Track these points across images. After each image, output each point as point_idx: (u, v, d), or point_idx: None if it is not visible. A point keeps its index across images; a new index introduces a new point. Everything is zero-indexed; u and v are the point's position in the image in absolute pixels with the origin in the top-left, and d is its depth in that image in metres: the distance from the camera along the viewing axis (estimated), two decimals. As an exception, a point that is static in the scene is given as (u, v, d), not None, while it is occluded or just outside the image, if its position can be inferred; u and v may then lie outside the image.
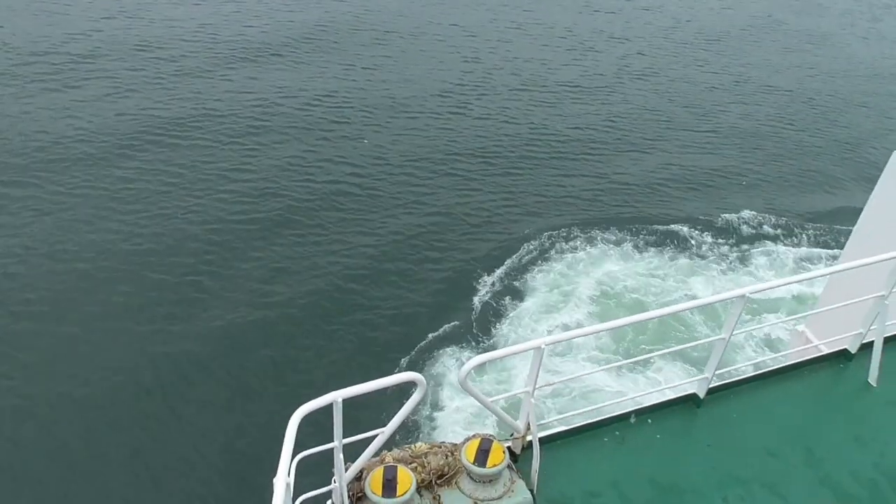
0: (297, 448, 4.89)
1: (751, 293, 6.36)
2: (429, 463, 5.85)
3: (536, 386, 5.95)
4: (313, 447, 5.42)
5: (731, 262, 20.53)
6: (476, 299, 17.89)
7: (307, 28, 32.16)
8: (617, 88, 30.09)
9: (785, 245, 21.50)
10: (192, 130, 23.26)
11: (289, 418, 4.80)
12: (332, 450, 5.29)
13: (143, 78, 26.27)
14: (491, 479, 5.72)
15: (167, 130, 23.12)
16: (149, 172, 20.89)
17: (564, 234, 20.88)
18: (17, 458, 13.08)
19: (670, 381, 14.84)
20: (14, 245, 17.55)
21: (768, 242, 21.50)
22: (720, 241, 21.34)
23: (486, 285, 18.43)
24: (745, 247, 21.25)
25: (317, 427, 5.26)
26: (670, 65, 33.16)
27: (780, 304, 18.46)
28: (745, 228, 21.99)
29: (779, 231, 22.05)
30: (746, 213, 22.56)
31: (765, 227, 22.18)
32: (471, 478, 5.75)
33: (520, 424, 6.27)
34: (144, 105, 24.46)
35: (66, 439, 13.45)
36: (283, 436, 4.75)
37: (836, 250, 20.19)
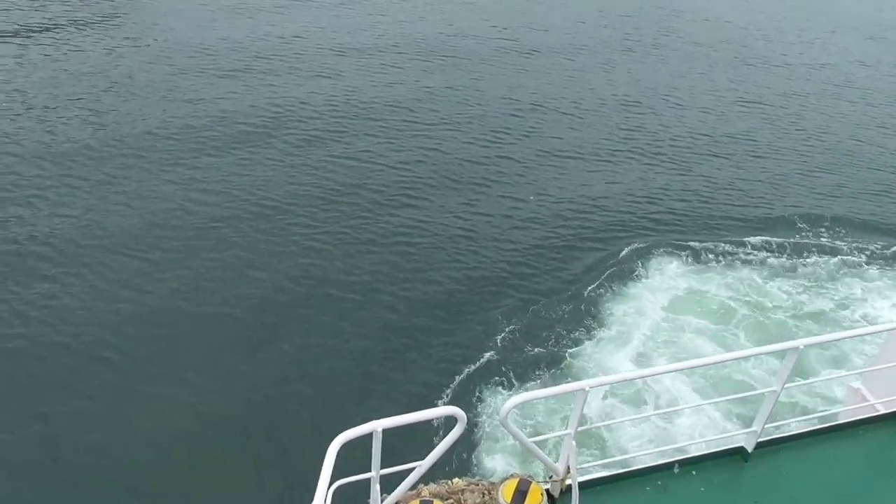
0: (334, 475, 4.89)
1: (805, 345, 6.20)
2: (465, 500, 5.80)
3: (578, 428, 5.87)
4: (350, 475, 5.42)
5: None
6: (529, 333, 17.62)
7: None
8: (784, 147, 29.67)
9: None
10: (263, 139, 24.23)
11: (327, 445, 4.82)
12: (368, 479, 5.28)
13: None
14: (527, 522, 5.63)
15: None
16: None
17: (636, 264, 20.65)
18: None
19: (717, 431, 14.44)
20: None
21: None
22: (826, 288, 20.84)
23: (541, 319, 18.14)
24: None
25: (353, 455, 5.26)
26: (841, 125, 32.54)
27: (835, 357, 17.87)
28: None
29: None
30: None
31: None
32: (507, 518, 5.66)
33: (559, 467, 6.17)
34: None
35: (94, 451, 13.66)
36: (320, 462, 4.76)
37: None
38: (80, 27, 32.28)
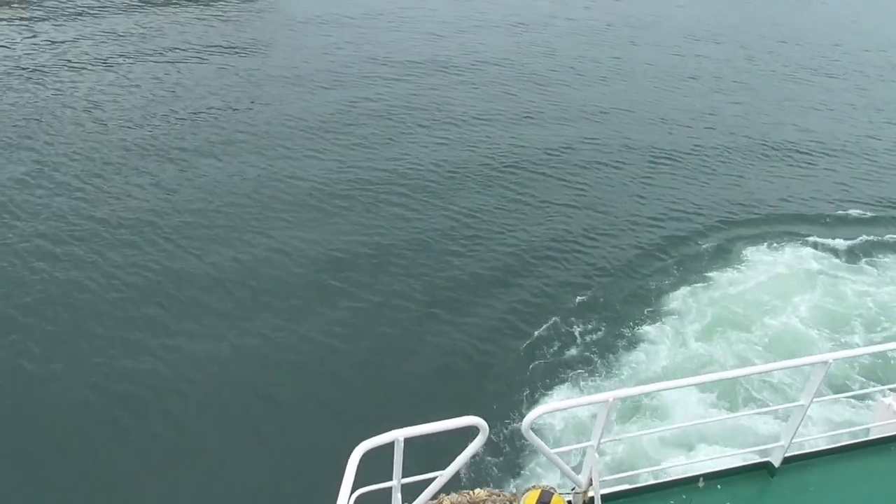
0: (356, 484, 4.89)
1: (834, 359, 6.10)
2: (486, 511, 5.76)
3: (602, 440, 5.81)
4: (371, 484, 5.41)
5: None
6: (556, 342, 17.41)
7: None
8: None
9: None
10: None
11: (348, 453, 4.82)
12: (390, 488, 5.28)
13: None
14: (549, 534, 5.57)
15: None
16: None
17: (678, 271, 20.45)
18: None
19: (743, 445, 14.23)
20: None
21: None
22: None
23: (570, 328, 17.90)
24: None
25: (375, 464, 5.25)
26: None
27: (865, 371, 17.52)
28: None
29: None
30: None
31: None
32: (528, 530, 5.61)
33: (582, 479, 6.11)
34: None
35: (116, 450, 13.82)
36: (342, 470, 4.76)
37: None
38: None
